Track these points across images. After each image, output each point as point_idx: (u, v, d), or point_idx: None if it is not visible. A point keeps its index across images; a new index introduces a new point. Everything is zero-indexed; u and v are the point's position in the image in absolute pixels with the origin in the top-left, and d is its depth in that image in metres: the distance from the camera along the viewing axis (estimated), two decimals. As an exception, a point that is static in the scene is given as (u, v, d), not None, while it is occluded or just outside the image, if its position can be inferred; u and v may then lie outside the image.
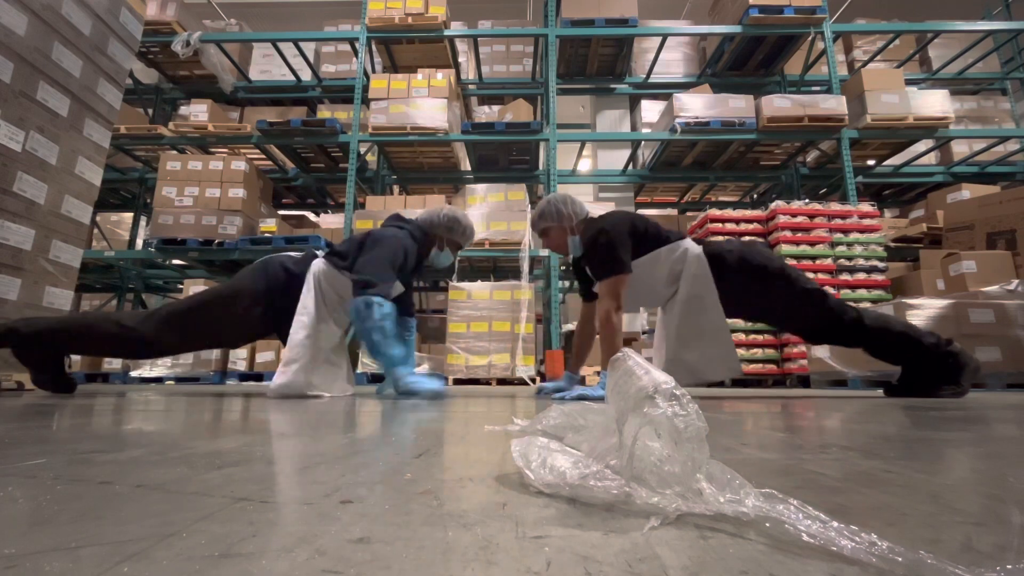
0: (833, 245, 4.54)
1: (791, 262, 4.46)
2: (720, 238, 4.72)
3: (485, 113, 7.60)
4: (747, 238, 4.78)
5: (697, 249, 2.17)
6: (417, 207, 5.28)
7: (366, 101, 5.70)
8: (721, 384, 4.54)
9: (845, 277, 4.48)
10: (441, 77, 5.60)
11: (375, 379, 4.61)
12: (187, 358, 4.81)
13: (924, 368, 2.08)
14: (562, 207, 2.28)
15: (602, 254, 2.10)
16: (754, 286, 2.13)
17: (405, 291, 2.46)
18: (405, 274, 2.30)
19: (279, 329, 2.24)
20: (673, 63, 7.11)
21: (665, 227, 2.27)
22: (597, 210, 5.74)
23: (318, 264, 2.20)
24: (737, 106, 5.56)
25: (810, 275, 4.34)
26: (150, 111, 7.11)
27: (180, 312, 2.10)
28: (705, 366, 2.19)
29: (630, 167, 7.09)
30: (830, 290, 4.38)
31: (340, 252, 2.23)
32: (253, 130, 5.71)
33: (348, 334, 2.48)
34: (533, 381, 4.50)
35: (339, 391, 2.21)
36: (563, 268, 5.91)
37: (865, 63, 6.98)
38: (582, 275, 2.43)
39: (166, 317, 2.06)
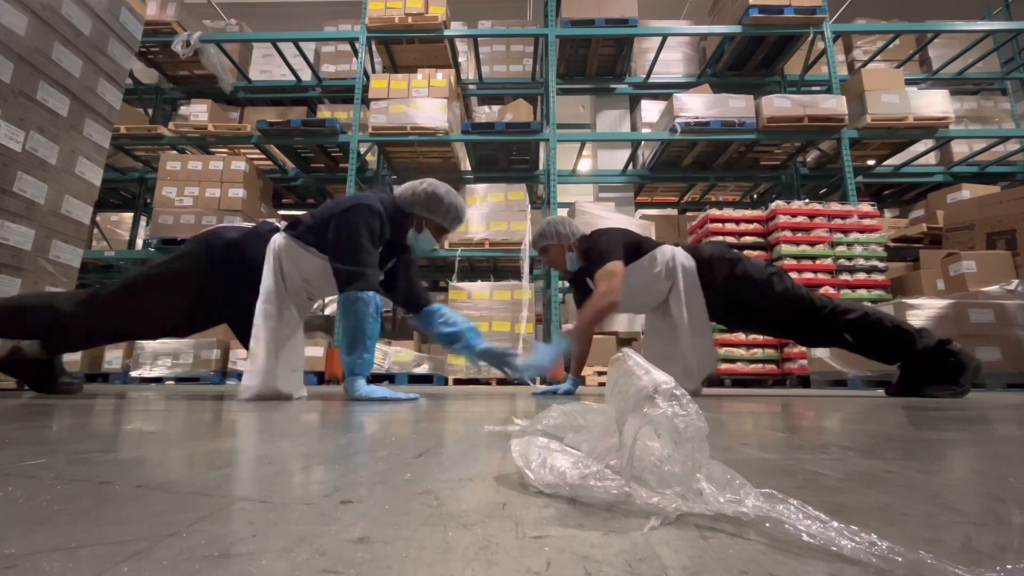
0: (833, 245, 4.55)
1: (791, 262, 4.47)
2: (720, 238, 4.73)
3: (485, 113, 7.60)
4: (747, 238, 4.78)
5: (681, 251, 2.39)
6: (417, 207, 5.28)
7: (366, 101, 5.70)
8: (721, 383, 4.54)
9: (845, 277, 4.48)
10: (441, 77, 5.60)
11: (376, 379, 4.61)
12: (187, 358, 4.80)
13: (923, 367, 2.08)
14: (560, 227, 2.49)
15: (598, 253, 2.29)
16: (729, 272, 2.29)
17: (403, 282, 2.22)
18: (382, 248, 2.01)
19: (228, 315, 2.01)
20: (673, 63, 7.12)
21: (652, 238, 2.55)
22: (597, 210, 5.73)
23: (278, 240, 1.92)
24: (737, 106, 5.56)
25: (810, 275, 4.41)
26: (150, 111, 7.11)
27: (113, 294, 1.87)
28: (703, 362, 2.31)
29: (630, 167, 7.09)
30: (830, 290, 4.41)
31: (306, 226, 1.95)
32: (253, 130, 5.71)
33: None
34: (533, 381, 4.50)
35: (293, 388, 1.95)
36: (563, 268, 5.91)
37: (865, 63, 6.99)
38: (579, 287, 2.59)
39: (99, 301, 1.86)
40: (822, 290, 4.41)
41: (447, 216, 2.09)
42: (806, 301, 2.21)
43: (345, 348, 1.89)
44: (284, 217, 1.99)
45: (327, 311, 7.20)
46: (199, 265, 1.89)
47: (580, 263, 2.50)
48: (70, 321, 1.85)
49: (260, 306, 1.86)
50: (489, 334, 4.72)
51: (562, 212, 5.95)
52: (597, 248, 2.32)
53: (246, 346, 1.88)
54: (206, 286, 1.92)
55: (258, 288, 1.87)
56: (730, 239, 4.77)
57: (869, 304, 2.44)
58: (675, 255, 2.36)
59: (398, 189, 2.11)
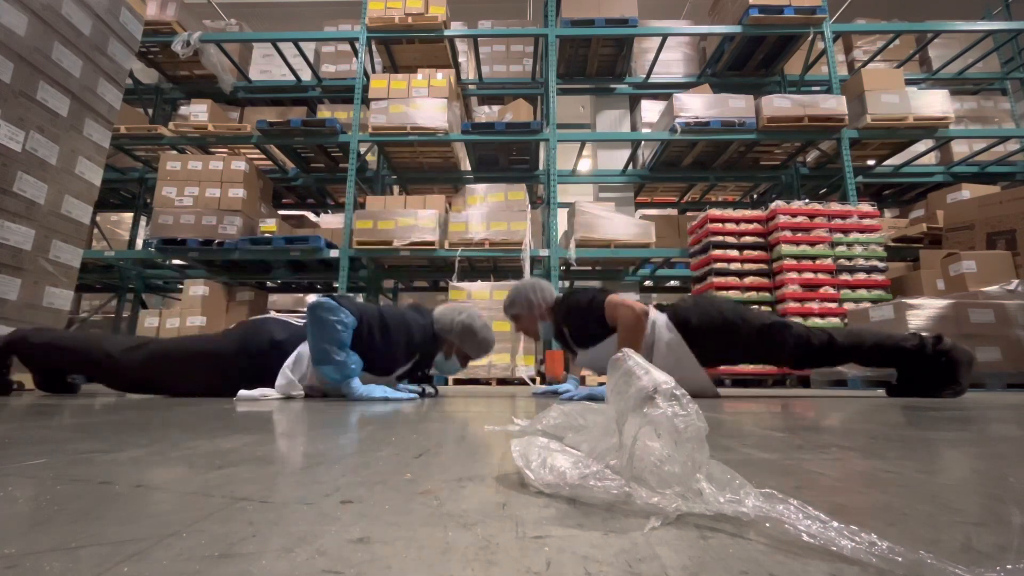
0: (833, 245, 4.54)
1: (791, 262, 4.46)
2: (719, 238, 4.73)
3: (485, 113, 7.60)
4: (747, 238, 4.78)
5: (663, 318, 2.18)
6: (417, 207, 5.28)
7: (366, 101, 5.70)
8: (721, 383, 4.54)
9: (845, 277, 4.48)
10: (441, 77, 5.60)
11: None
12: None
13: (920, 368, 2.08)
14: (531, 295, 2.34)
15: (586, 314, 2.12)
16: (720, 336, 2.14)
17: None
18: (399, 361, 2.09)
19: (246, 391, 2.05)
20: (673, 63, 7.12)
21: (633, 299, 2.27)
22: (597, 210, 5.70)
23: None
24: (737, 106, 5.56)
25: (810, 275, 4.41)
26: (150, 111, 7.11)
27: (163, 354, 1.99)
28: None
29: (630, 167, 7.09)
30: (830, 291, 4.41)
31: None
32: (253, 130, 5.71)
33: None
34: (533, 381, 4.50)
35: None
36: (563, 268, 5.91)
37: (865, 63, 6.99)
38: (566, 342, 2.41)
39: (150, 356, 1.97)
40: (822, 290, 4.41)
41: (477, 349, 2.21)
42: (808, 347, 2.11)
43: (325, 359, 1.86)
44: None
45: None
46: (238, 353, 1.95)
47: (553, 332, 2.35)
48: (114, 365, 1.96)
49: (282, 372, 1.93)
50: (489, 334, 4.72)
51: (562, 212, 5.95)
52: (581, 311, 2.12)
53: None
54: (238, 370, 1.96)
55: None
56: (730, 239, 4.76)
57: (868, 329, 2.34)
58: (655, 327, 2.14)
59: (437, 312, 2.21)
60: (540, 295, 2.34)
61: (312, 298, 2.05)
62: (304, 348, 1.97)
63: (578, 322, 2.22)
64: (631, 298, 2.07)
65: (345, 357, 1.87)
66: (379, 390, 1.90)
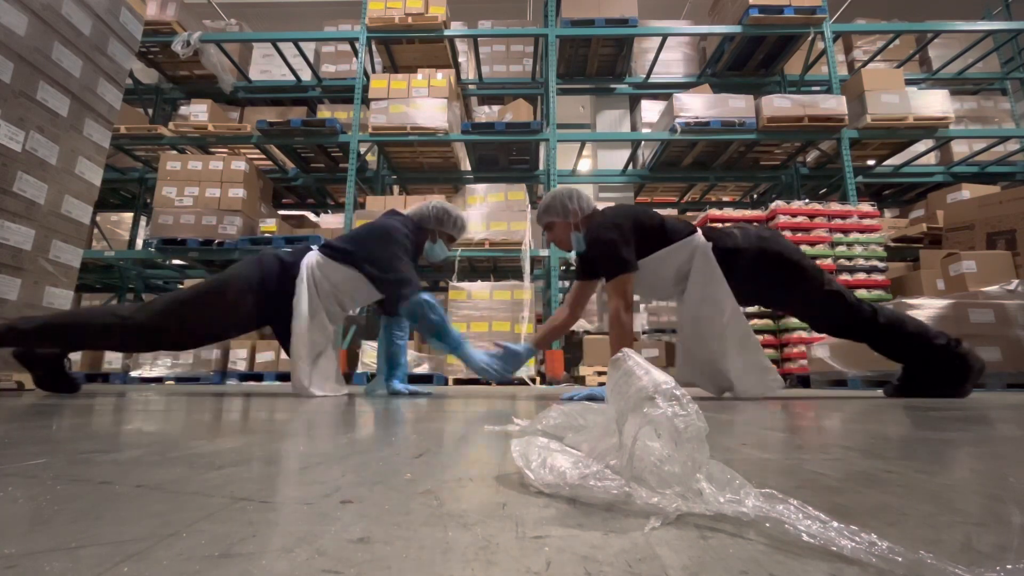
0: (833, 245, 4.54)
1: (791, 262, 4.45)
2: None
3: (485, 113, 7.60)
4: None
5: (707, 246, 2.08)
6: (417, 207, 5.29)
7: (366, 101, 5.70)
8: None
9: (845, 277, 4.48)
10: (441, 77, 5.60)
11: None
12: (187, 357, 4.80)
13: (929, 368, 2.06)
14: (567, 202, 2.22)
15: (606, 253, 2.05)
16: (770, 281, 2.08)
17: None
18: (410, 253, 2.34)
19: (273, 322, 2.24)
20: (673, 63, 7.12)
21: (674, 222, 2.19)
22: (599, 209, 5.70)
23: (312, 256, 2.22)
24: (737, 106, 5.56)
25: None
26: (150, 111, 7.11)
27: (176, 302, 2.06)
28: (738, 379, 2.08)
29: (630, 167, 7.09)
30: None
31: (337, 247, 2.24)
32: (253, 130, 5.71)
33: (347, 336, 2.47)
34: (533, 381, 4.50)
35: (330, 390, 2.18)
36: (563, 268, 5.91)
37: (865, 63, 6.98)
38: (583, 258, 2.34)
39: (162, 308, 2.03)
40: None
41: (456, 227, 2.49)
42: (858, 317, 2.06)
43: (436, 340, 2.17)
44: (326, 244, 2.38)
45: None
46: (255, 284, 2.14)
47: (585, 245, 2.22)
48: (128, 324, 2.01)
49: (296, 309, 2.14)
50: (489, 334, 4.72)
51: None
52: (603, 249, 2.06)
53: (286, 349, 2.19)
54: (261, 302, 2.16)
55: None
56: (730, 239, 4.75)
57: (909, 316, 2.28)
58: (696, 252, 2.08)
59: (410, 210, 2.48)
60: (576, 202, 2.23)
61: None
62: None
63: (594, 256, 2.19)
64: (630, 289, 2.02)
65: (455, 336, 2.15)
66: (481, 356, 2.17)
